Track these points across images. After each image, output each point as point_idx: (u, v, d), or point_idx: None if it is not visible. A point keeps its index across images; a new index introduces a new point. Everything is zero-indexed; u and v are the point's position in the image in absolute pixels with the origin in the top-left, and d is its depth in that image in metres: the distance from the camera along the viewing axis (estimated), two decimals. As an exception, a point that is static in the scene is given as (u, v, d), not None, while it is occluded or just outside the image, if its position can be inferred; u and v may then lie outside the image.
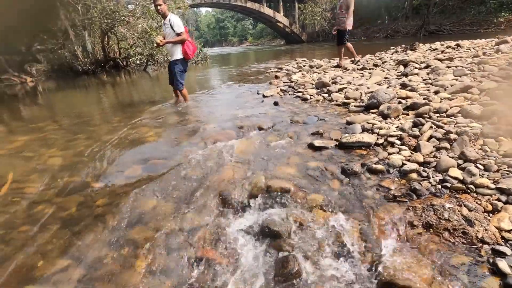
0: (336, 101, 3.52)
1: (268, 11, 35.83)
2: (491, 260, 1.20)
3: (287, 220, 1.58)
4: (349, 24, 5.22)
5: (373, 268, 1.29)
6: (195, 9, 66.12)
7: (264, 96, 4.27)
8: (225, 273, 1.37)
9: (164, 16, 3.88)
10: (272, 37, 50.89)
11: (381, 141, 2.25)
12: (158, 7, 3.80)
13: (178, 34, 3.82)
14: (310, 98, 3.84)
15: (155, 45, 4.35)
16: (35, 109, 6.15)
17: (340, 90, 3.88)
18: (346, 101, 3.38)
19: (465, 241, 1.33)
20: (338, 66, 5.73)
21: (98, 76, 11.83)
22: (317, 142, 2.35)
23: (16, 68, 11.41)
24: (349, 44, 5.61)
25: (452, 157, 1.85)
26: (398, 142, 2.17)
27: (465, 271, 1.21)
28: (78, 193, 2.11)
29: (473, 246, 1.30)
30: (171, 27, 3.82)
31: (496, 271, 1.16)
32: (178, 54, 3.97)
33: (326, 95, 3.84)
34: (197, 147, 2.62)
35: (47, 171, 2.49)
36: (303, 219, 1.58)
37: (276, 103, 3.77)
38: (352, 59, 6.27)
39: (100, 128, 3.67)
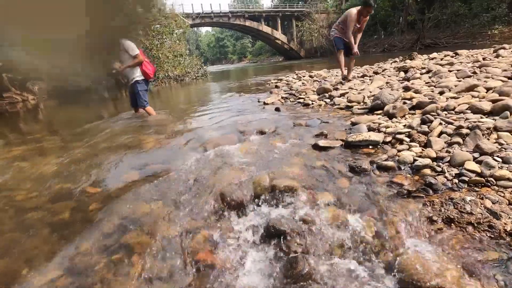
0: (339, 105, 3.46)
1: (267, 29, 36.78)
2: (525, 254, 1.08)
3: (294, 219, 1.46)
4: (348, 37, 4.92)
5: (392, 267, 1.16)
6: (195, 29, 68.02)
7: (265, 104, 4.22)
8: (227, 278, 1.24)
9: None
10: (270, 54, 52.01)
11: (389, 139, 2.16)
12: None
13: (134, 57, 3.90)
14: (312, 103, 3.78)
15: (113, 71, 4.44)
16: (33, 123, 6.11)
17: (342, 95, 3.83)
18: (349, 104, 3.32)
19: (492, 235, 1.20)
20: (344, 79, 5.07)
21: (99, 93, 11.91)
22: (322, 143, 2.26)
23: (18, 86, 11.51)
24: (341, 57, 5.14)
25: (467, 151, 1.74)
26: (407, 139, 2.08)
27: (496, 267, 1.08)
28: (71, 198, 2.00)
29: (502, 240, 1.17)
30: (126, 51, 3.89)
31: (532, 266, 1.03)
32: (138, 75, 4.04)
33: (328, 100, 3.79)
34: (197, 151, 2.52)
35: (41, 178, 2.38)
36: (312, 218, 1.46)
37: (277, 109, 3.70)
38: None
39: (98, 137, 3.59)
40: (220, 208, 1.63)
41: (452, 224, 1.29)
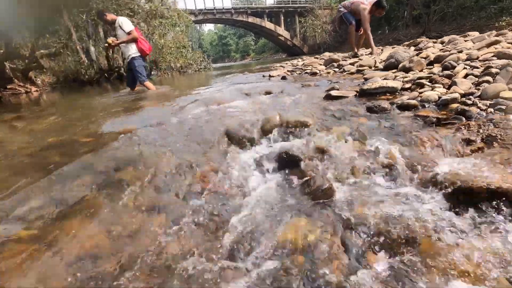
0: (349, 71, 3.28)
1: (269, 25, 36.55)
2: None
3: (308, 147, 1.29)
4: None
5: (431, 180, 0.99)
6: (198, 27, 67.95)
7: (270, 76, 4.05)
8: (236, 204, 1.08)
9: (112, 23, 3.95)
10: (274, 51, 51.76)
11: (408, 85, 1.98)
12: (104, 18, 3.99)
13: (129, 33, 3.84)
14: (320, 72, 3.61)
15: (106, 45, 4.47)
16: (34, 106, 6.01)
17: (352, 64, 3.64)
18: (360, 68, 3.14)
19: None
20: (355, 56, 4.97)
21: (102, 85, 11.81)
22: (335, 92, 2.09)
23: (21, 77, 11.45)
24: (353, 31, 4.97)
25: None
26: (429, 83, 1.90)
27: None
28: (64, 147, 1.85)
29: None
30: (121, 28, 3.85)
31: None
32: (134, 51, 3.98)
33: (337, 69, 3.61)
34: (201, 107, 2.36)
35: (34, 134, 2.25)
36: (327, 147, 1.29)
37: (284, 78, 3.54)
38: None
39: (96, 105, 3.46)
40: (226, 143, 1.47)
41: (494, 142, 1.12)
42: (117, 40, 3.99)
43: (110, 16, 4.00)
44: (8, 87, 11.44)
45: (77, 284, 0.84)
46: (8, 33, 8.31)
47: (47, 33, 10.89)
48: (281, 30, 37.47)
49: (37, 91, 11.36)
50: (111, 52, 12.89)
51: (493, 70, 1.76)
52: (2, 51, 9.50)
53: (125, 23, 3.86)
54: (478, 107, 1.43)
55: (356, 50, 4.69)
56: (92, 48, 12.39)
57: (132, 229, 1.05)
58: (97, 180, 1.31)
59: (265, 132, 1.51)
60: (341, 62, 3.73)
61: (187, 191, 1.18)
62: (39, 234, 1.01)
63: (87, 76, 12.64)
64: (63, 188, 1.26)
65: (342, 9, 4.84)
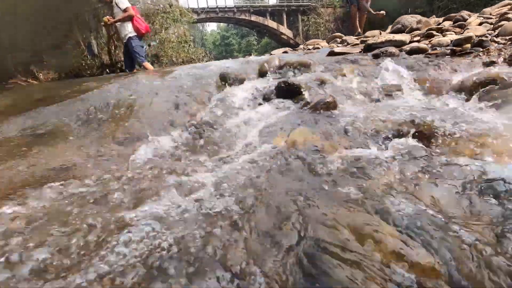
0: (352, 43, 3.15)
1: (272, 23, 36.47)
2: None
3: (309, 80, 1.18)
4: None
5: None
6: (201, 27, 68.11)
7: (271, 54, 3.94)
8: (230, 121, 0.97)
9: (110, 1, 3.89)
10: (276, 50, 51.69)
11: (417, 39, 1.86)
12: None
13: (124, 10, 3.73)
14: (322, 47, 3.49)
15: (102, 24, 4.41)
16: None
17: (356, 38, 3.52)
18: (364, 39, 3.01)
19: None
20: (358, 36, 4.86)
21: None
22: (338, 49, 1.98)
23: (23, 70, 11.45)
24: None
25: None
26: (439, 33, 1.78)
27: None
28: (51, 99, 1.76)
29: None
30: (117, 6, 3.76)
31: None
32: (130, 31, 3.88)
33: (340, 44, 3.49)
34: (198, 70, 2.26)
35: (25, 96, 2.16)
36: (330, 79, 1.18)
37: (285, 52, 3.43)
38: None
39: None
40: (220, 84, 1.36)
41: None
42: (113, 17, 3.91)
43: None
44: (11, 81, 11.47)
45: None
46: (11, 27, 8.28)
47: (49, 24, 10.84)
48: (284, 29, 37.36)
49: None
50: (113, 47, 12.89)
51: (510, 16, 1.63)
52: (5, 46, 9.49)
53: (120, 0, 3.76)
54: (496, 42, 1.31)
55: (359, 30, 4.56)
56: (94, 42, 12.38)
57: (110, 154, 0.95)
58: (81, 117, 1.21)
59: (262, 74, 1.41)
60: (344, 38, 3.61)
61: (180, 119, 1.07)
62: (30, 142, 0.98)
63: (89, 72, 12.63)
64: (46, 121, 1.16)
65: None
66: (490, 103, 0.87)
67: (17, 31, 9.85)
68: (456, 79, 0.93)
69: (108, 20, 3.90)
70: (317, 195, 0.64)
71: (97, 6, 10.92)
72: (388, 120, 0.77)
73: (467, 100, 0.89)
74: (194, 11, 30.56)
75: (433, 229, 0.54)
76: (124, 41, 4.12)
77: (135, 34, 3.93)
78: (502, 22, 1.59)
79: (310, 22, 36.83)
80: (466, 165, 0.63)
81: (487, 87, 0.87)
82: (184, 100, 1.18)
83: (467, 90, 0.88)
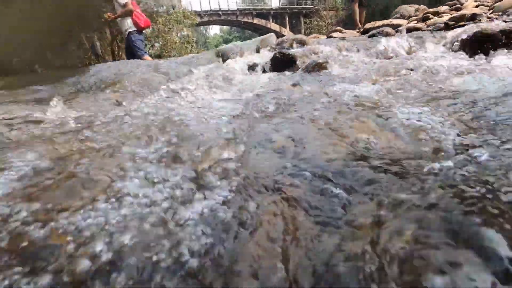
0: (352, 35, 3.18)
1: (275, 26, 36.67)
2: None
3: (303, 52, 1.21)
4: None
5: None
6: (204, 31, 68.49)
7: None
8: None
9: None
10: (278, 53, 51.89)
11: (414, 23, 1.88)
12: None
13: (123, 5, 3.80)
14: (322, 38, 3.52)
15: (103, 20, 4.54)
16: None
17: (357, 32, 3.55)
18: (363, 29, 3.04)
19: None
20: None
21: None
22: (336, 34, 2.00)
23: (28, 69, 11.55)
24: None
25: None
26: (436, 16, 1.80)
27: None
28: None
29: None
30: (117, 1, 3.82)
31: None
32: (129, 26, 3.93)
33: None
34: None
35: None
36: (321, 50, 1.20)
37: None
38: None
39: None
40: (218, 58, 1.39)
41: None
42: (113, 14, 4.02)
43: None
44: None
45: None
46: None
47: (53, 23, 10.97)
48: (286, 31, 37.53)
49: (43, 85, 11.54)
50: (116, 48, 13.03)
51: (505, -3, 1.65)
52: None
53: None
54: (489, 17, 1.33)
55: (360, 26, 4.59)
56: (97, 43, 12.51)
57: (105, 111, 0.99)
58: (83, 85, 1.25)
59: (259, 50, 1.43)
60: (344, 31, 3.64)
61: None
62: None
63: (93, 72, 12.75)
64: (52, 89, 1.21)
65: None
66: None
67: (23, 30, 9.98)
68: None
69: (109, 16, 4.04)
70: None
71: (100, 7, 11.07)
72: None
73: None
74: (197, 14, 30.82)
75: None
76: (125, 36, 4.19)
77: (135, 29, 4.01)
78: (497, 4, 1.61)
79: (313, 25, 36.96)
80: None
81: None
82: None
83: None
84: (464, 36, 1.05)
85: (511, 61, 0.93)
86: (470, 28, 1.01)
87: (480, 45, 0.94)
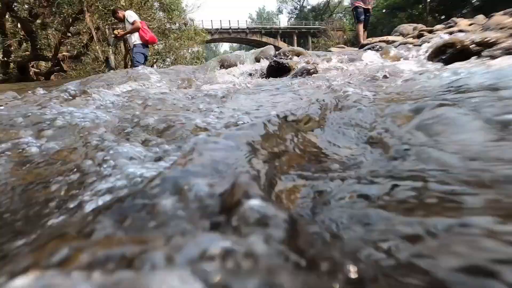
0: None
1: (283, 44, 37.51)
2: None
3: (298, 61, 1.29)
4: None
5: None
6: (214, 48, 70.41)
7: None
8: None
9: (123, 20, 4.38)
10: (286, 71, 52.76)
11: (410, 39, 1.96)
12: (117, 15, 4.42)
13: (132, 23, 4.16)
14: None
15: (112, 36, 4.92)
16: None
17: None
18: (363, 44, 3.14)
19: None
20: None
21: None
22: (333, 48, 2.09)
23: (44, 79, 12.01)
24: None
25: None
26: (431, 34, 1.87)
27: None
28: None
29: None
30: (127, 20, 4.24)
31: None
32: (136, 39, 4.31)
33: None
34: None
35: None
36: (317, 60, 1.28)
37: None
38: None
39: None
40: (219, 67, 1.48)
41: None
42: (123, 31, 4.44)
43: (121, 13, 4.46)
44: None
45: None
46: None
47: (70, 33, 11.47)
48: (294, 50, 38.33)
49: (57, 95, 11.94)
50: (130, 61, 13.51)
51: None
52: (27, 52, 10.10)
53: (129, 15, 4.26)
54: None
55: (363, 42, 4.71)
56: (112, 57, 13.00)
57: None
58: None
59: (257, 60, 1.52)
60: (344, 47, 3.75)
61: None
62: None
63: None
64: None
65: (359, 3, 4.85)
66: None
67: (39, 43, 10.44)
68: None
69: (119, 33, 4.44)
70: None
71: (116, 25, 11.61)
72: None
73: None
74: (208, 31, 31.84)
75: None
76: (131, 50, 4.52)
77: (140, 42, 4.36)
78: (486, 23, 1.68)
79: (320, 44, 37.73)
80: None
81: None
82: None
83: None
84: (434, 47, 1.20)
85: (462, 67, 1.07)
86: (440, 40, 1.17)
87: (443, 53, 1.13)
